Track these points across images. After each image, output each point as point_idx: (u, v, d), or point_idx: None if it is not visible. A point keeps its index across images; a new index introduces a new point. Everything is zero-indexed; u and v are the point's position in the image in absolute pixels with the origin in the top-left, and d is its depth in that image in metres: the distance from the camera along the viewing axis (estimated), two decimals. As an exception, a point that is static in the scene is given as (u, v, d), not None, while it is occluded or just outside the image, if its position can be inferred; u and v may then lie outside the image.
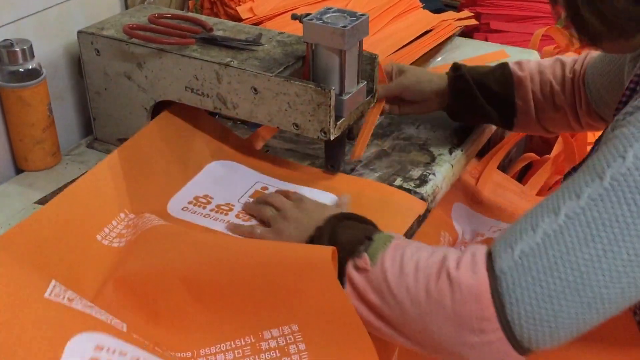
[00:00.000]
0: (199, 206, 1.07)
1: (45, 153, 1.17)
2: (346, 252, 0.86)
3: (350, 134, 1.12)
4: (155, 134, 1.12)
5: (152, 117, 1.19)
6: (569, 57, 1.21)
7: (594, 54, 1.17)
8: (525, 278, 0.75)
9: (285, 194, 1.06)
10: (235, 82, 1.06)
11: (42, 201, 1.09)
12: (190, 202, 1.08)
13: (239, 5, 1.44)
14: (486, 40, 1.96)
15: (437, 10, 1.79)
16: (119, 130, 1.22)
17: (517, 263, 0.75)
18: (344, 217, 0.94)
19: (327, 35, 0.99)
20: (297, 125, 1.04)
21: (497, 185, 1.41)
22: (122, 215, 1.02)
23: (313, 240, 0.92)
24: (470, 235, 1.30)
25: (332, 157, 1.13)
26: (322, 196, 1.08)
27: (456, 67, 1.23)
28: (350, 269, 0.85)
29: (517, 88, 1.20)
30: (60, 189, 1.12)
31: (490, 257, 0.78)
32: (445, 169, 1.18)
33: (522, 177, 1.61)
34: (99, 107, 1.22)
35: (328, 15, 1.01)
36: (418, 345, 0.83)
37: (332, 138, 1.02)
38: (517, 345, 0.76)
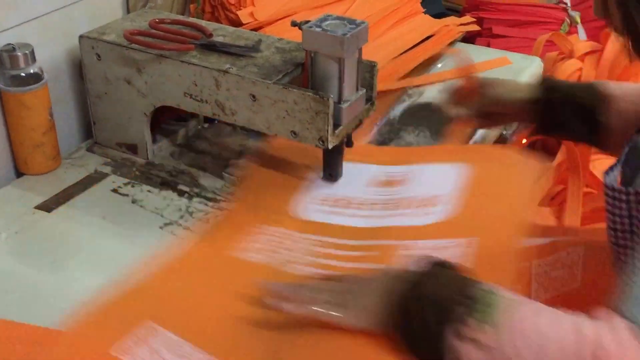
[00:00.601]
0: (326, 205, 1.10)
1: (45, 157, 1.17)
2: (445, 313, 0.74)
3: (348, 142, 1.12)
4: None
5: (152, 123, 1.20)
6: None
7: None
8: None
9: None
10: (234, 89, 1.06)
11: (42, 207, 1.10)
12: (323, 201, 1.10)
13: (240, 9, 1.44)
14: (488, 45, 1.96)
15: (439, 15, 1.80)
16: (118, 134, 1.23)
17: None
18: (433, 263, 0.82)
19: (327, 42, 0.99)
20: (295, 133, 1.04)
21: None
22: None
23: (400, 306, 0.78)
24: None
25: (330, 167, 1.13)
26: (448, 171, 1.11)
27: (546, 79, 1.19)
28: (453, 339, 0.72)
29: (606, 106, 1.09)
30: (59, 194, 1.13)
31: (633, 331, 0.69)
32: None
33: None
34: (99, 111, 1.23)
35: (327, 22, 1.01)
36: None
37: (330, 147, 1.03)
38: None
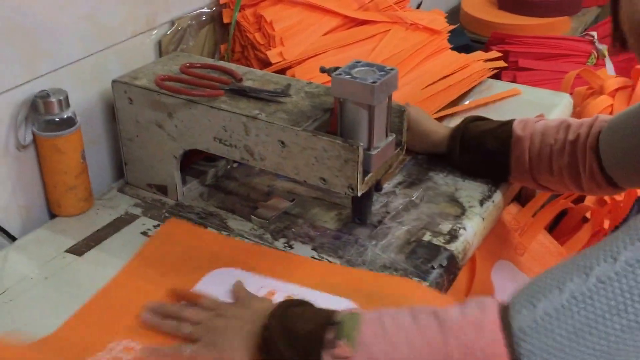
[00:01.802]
0: None
1: (77, 199, 1.19)
2: (314, 344, 0.80)
3: (378, 186, 1.13)
4: (148, 254, 1.11)
5: (182, 163, 1.21)
6: (575, 120, 1.19)
7: (603, 117, 1.16)
8: (547, 341, 0.72)
9: (192, 300, 0.98)
10: (263, 135, 1.07)
11: (73, 250, 1.11)
12: None
13: (269, 49, 1.46)
14: (514, 78, 1.96)
15: (464, 47, 1.80)
16: (149, 175, 1.24)
17: (539, 324, 0.73)
18: (286, 306, 0.88)
19: (356, 90, 1.00)
20: (324, 180, 1.05)
21: (536, 242, 1.39)
22: (111, 345, 0.94)
23: (266, 341, 0.85)
24: None
25: (358, 211, 1.13)
26: (339, 303, 0.97)
27: (460, 126, 1.28)
28: None
29: (513, 148, 1.21)
30: (90, 237, 1.15)
31: (505, 309, 0.76)
32: (476, 223, 1.17)
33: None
34: (131, 152, 1.24)
35: (357, 69, 1.02)
36: None
37: (359, 194, 1.03)
38: None
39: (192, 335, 0.92)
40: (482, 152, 1.24)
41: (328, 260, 1.09)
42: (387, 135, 1.08)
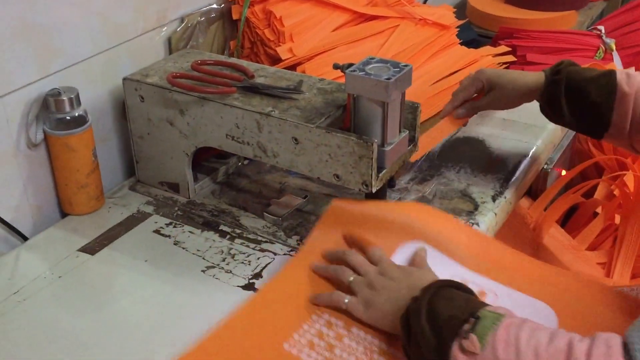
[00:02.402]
0: None
1: (89, 197, 1.18)
2: (451, 331, 0.80)
3: (391, 182, 1.12)
4: (329, 229, 1.07)
5: (193, 161, 1.20)
6: None
7: None
8: None
9: (365, 249, 1.00)
10: (276, 132, 1.07)
11: (86, 249, 1.11)
12: None
13: (279, 45, 1.45)
14: (523, 73, 1.95)
15: (471, 42, 1.79)
16: (160, 173, 1.24)
17: None
18: (441, 285, 0.87)
19: (370, 87, 0.99)
20: (338, 177, 1.04)
21: (549, 236, 1.39)
22: (315, 317, 0.96)
23: (409, 313, 0.85)
24: None
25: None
26: (535, 308, 0.95)
27: (557, 70, 1.20)
28: (456, 351, 0.79)
29: (618, 104, 1.13)
30: (103, 236, 1.14)
31: (626, 349, 0.72)
32: (489, 218, 1.17)
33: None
34: (142, 150, 1.24)
35: (371, 66, 1.01)
36: None
37: (373, 191, 1.03)
38: None
39: (352, 285, 0.95)
40: (584, 103, 1.16)
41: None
42: (400, 132, 1.07)
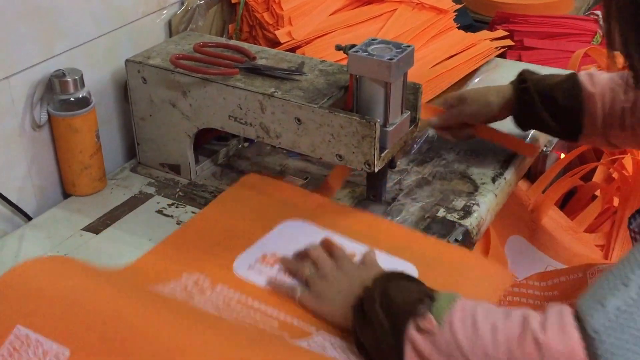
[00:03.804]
0: (267, 265, 1.03)
1: (92, 178, 1.19)
2: (405, 313, 0.81)
3: (392, 163, 1.13)
4: (222, 205, 1.15)
5: (194, 143, 1.21)
6: None
7: None
8: (624, 336, 0.70)
9: (329, 248, 1.02)
10: (279, 113, 1.08)
11: (89, 228, 1.12)
12: (257, 261, 1.03)
13: (277, 29, 1.46)
14: (519, 57, 1.96)
15: (467, 27, 1.80)
16: (161, 155, 1.25)
17: (612, 321, 0.71)
18: (392, 276, 0.90)
19: (373, 67, 1.00)
20: (340, 157, 1.05)
21: (548, 217, 1.40)
22: (185, 275, 1.00)
23: (363, 302, 0.86)
24: (524, 272, 1.26)
25: (373, 188, 1.14)
26: (401, 266, 1.02)
27: (522, 79, 1.22)
28: (412, 330, 0.80)
29: (586, 104, 1.16)
30: (106, 215, 1.15)
31: (578, 317, 0.74)
32: (489, 199, 1.18)
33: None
34: (144, 132, 1.25)
35: (373, 46, 1.02)
36: None
37: (376, 170, 1.04)
38: None
39: (308, 279, 0.97)
40: (554, 109, 1.18)
41: (344, 236, 1.09)
42: (402, 112, 1.08)
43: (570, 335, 0.73)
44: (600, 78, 1.18)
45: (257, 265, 1.03)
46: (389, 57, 0.99)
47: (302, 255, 1.02)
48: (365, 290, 0.88)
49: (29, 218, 1.16)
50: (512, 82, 1.24)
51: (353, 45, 1.03)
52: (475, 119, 1.25)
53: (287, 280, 0.99)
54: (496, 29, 1.88)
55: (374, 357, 0.85)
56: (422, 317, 0.79)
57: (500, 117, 1.25)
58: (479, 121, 1.25)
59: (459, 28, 1.71)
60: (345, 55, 1.04)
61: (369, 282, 0.89)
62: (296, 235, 1.08)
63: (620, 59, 0.86)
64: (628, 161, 1.46)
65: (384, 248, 1.04)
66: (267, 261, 1.03)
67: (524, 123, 1.25)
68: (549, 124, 1.20)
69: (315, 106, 1.04)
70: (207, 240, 1.07)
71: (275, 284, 0.98)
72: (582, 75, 1.19)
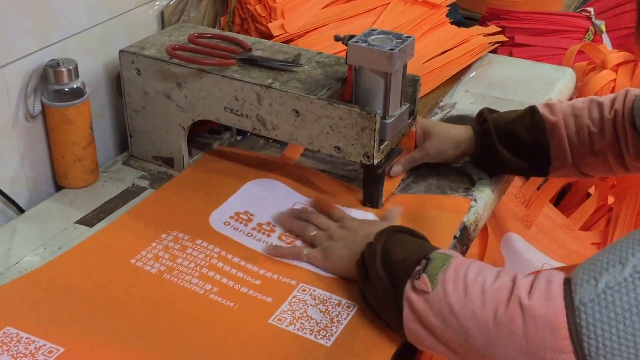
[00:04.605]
0: (241, 222, 1.08)
1: (85, 170, 1.17)
2: (403, 272, 0.85)
3: (390, 155, 1.12)
4: (193, 172, 1.21)
5: (188, 137, 1.20)
6: (604, 97, 1.14)
7: (635, 91, 1.11)
8: (608, 313, 0.71)
9: (327, 213, 1.07)
10: (277, 104, 1.07)
11: (83, 221, 1.10)
12: (231, 217, 1.09)
13: (270, 22, 1.45)
14: (511, 53, 1.96)
15: (457, 23, 1.80)
16: (155, 147, 1.23)
17: (600, 296, 0.72)
18: (394, 230, 0.93)
19: (373, 58, 0.99)
20: (338, 149, 1.04)
21: (542, 215, 1.40)
22: (164, 235, 1.06)
23: (364, 257, 0.91)
24: (519, 270, 1.25)
25: (370, 195, 1.12)
26: (364, 217, 1.09)
27: (482, 120, 1.19)
28: (409, 291, 0.84)
29: (551, 135, 1.14)
30: (100, 208, 1.13)
31: (568, 286, 0.75)
32: (486, 195, 1.17)
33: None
34: (137, 124, 1.23)
35: (373, 37, 1.01)
36: None
37: (375, 162, 1.03)
38: None
39: (314, 239, 1.02)
40: (517, 146, 1.16)
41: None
42: (401, 104, 1.07)
43: (555, 302, 0.74)
44: (560, 107, 1.15)
45: (232, 222, 1.08)
46: (389, 48, 0.98)
47: (298, 216, 1.07)
48: (367, 246, 0.92)
49: (22, 210, 1.14)
50: (471, 125, 1.21)
51: (352, 36, 1.02)
52: (437, 157, 1.21)
53: (283, 244, 1.04)
54: (487, 25, 1.88)
55: (378, 312, 0.90)
56: (418, 277, 0.83)
57: (457, 161, 1.23)
58: (440, 160, 1.22)
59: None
60: (340, 48, 1.03)
61: (372, 236, 0.93)
62: (264, 192, 1.14)
63: None
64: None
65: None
66: (240, 219, 1.09)
67: (487, 166, 1.21)
68: (512, 162, 1.17)
69: (314, 97, 1.03)
70: (180, 203, 1.13)
71: (275, 248, 1.02)
72: (541, 107, 1.16)
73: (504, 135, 1.16)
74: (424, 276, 0.82)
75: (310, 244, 1.03)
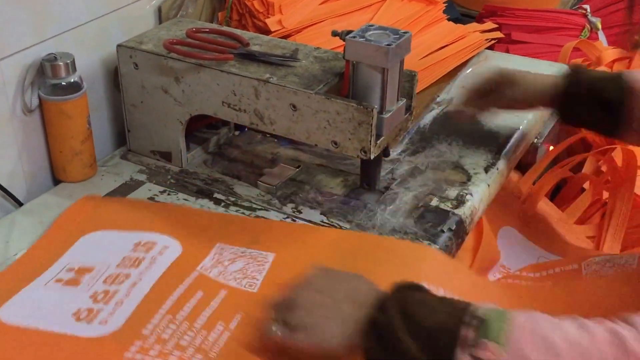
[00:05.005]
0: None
1: (83, 164, 1.18)
2: (445, 339, 0.71)
3: (386, 151, 1.13)
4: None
5: (185, 131, 1.20)
6: None
7: None
8: None
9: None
10: (274, 99, 1.07)
11: (82, 214, 1.11)
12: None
13: (268, 17, 1.45)
14: (507, 51, 1.96)
15: (454, 20, 1.80)
16: (152, 142, 1.23)
17: None
18: (407, 287, 0.78)
19: (371, 53, 1.00)
20: (336, 144, 1.05)
21: (538, 209, 1.40)
22: None
23: (380, 327, 0.74)
24: (516, 263, 1.27)
25: (367, 177, 1.13)
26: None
27: (573, 73, 1.19)
28: None
29: (630, 100, 1.11)
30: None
31: None
32: (482, 189, 1.18)
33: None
34: (134, 119, 1.23)
35: (370, 32, 1.02)
36: None
37: (372, 157, 1.03)
38: None
39: (277, 315, 0.81)
40: (597, 102, 1.14)
41: (338, 225, 1.09)
42: (398, 100, 1.08)
43: None
44: None
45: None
46: (386, 43, 0.99)
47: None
48: (378, 312, 0.75)
49: (20, 204, 1.14)
50: (562, 75, 1.20)
51: (350, 31, 1.03)
52: (522, 100, 1.21)
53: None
54: (484, 22, 1.88)
55: None
56: (477, 345, 0.70)
57: (544, 105, 1.22)
58: (525, 102, 1.22)
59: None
60: (338, 44, 1.03)
61: (374, 299, 0.77)
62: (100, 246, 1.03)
63: None
64: (618, 153, 1.47)
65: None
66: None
67: (572, 118, 1.20)
68: (599, 119, 1.15)
69: (312, 92, 1.03)
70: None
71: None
72: (628, 73, 1.15)
73: (589, 88, 1.15)
74: (487, 343, 0.69)
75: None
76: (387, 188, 1.17)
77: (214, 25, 1.26)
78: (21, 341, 0.84)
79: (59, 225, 1.07)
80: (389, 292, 0.78)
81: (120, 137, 1.31)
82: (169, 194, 1.17)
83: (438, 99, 1.47)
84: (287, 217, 1.11)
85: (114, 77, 1.26)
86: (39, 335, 0.85)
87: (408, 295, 0.77)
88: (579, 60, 1.71)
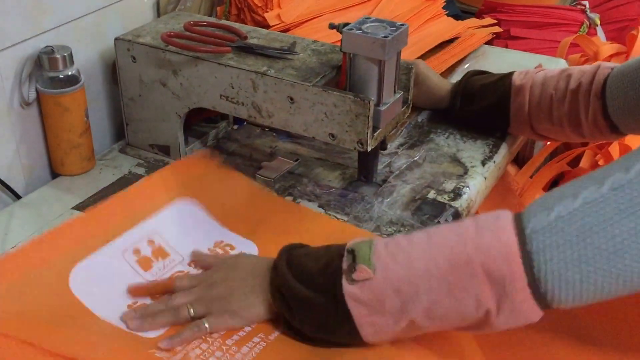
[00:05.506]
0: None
1: (81, 158, 1.18)
2: (331, 276, 0.80)
3: (383, 144, 1.13)
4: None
5: (184, 125, 1.20)
6: (576, 68, 1.21)
7: (606, 64, 1.17)
8: (557, 239, 0.73)
9: (171, 289, 0.92)
10: (272, 91, 1.07)
11: (80, 207, 1.11)
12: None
13: (267, 11, 1.45)
14: (506, 47, 1.97)
15: (454, 16, 1.80)
16: (151, 135, 1.24)
17: (551, 224, 0.74)
18: (287, 249, 0.88)
19: (367, 45, 1.00)
20: (333, 136, 1.05)
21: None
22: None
23: (280, 288, 0.83)
24: None
25: (365, 169, 1.14)
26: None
27: (460, 81, 1.32)
28: (348, 287, 0.79)
29: (514, 98, 1.24)
30: (96, 195, 1.14)
31: (519, 220, 0.76)
32: (478, 182, 1.18)
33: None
34: (133, 112, 1.23)
35: (367, 25, 1.02)
36: (445, 322, 0.79)
37: (368, 149, 1.03)
38: (541, 301, 0.75)
39: (198, 313, 0.87)
40: (483, 106, 1.27)
41: (336, 216, 1.09)
42: (395, 92, 1.08)
43: (506, 231, 0.75)
44: (534, 74, 1.25)
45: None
46: (383, 35, 0.99)
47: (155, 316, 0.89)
48: (272, 280, 0.85)
49: (18, 197, 1.14)
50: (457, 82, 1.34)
51: (347, 24, 1.03)
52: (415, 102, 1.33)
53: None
54: (484, 18, 1.89)
55: (318, 335, 0.83)
56: (353, 270, 0.79)
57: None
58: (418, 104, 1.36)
59: (446, 17, 1.72)
60: (336, 39, 1.03)
61: (268, 268, 0.87)
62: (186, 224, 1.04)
63: None
64: (615, 147, 1.47)
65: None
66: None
67: (457, 119, 1.33)
68: (470, 121, 1.31)
69: (309, 84, 1.04)
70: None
71: (177, 339, 0.85)
72: (517, 73, 1.27)
73: (474, 95, 1.29)
74: (360, 265, 0.79)
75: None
76: (384, 181, 1.17)
77: (212, 19, 1.27)
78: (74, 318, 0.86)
79: (151, 182, 1.09)
80: (278, 257, 0.87)
81: (119, 131, 1.31)
82: (167, 187, 1.17)
83: (436, 93, 1.47)
84: (285, 210, 1.11)
85: (112, 71, 1.26)
86: (91, 318, 0.86)
87: (293, 252, 0.87)
88: (576, 55, 1.71)
